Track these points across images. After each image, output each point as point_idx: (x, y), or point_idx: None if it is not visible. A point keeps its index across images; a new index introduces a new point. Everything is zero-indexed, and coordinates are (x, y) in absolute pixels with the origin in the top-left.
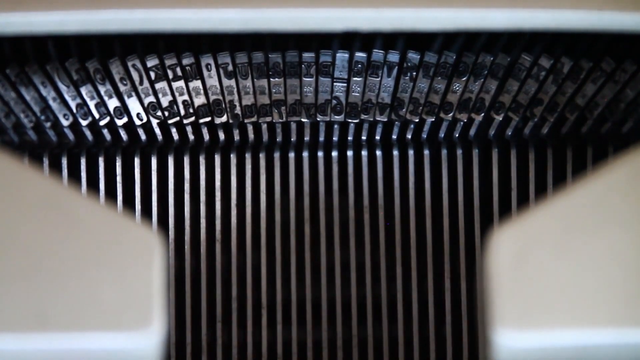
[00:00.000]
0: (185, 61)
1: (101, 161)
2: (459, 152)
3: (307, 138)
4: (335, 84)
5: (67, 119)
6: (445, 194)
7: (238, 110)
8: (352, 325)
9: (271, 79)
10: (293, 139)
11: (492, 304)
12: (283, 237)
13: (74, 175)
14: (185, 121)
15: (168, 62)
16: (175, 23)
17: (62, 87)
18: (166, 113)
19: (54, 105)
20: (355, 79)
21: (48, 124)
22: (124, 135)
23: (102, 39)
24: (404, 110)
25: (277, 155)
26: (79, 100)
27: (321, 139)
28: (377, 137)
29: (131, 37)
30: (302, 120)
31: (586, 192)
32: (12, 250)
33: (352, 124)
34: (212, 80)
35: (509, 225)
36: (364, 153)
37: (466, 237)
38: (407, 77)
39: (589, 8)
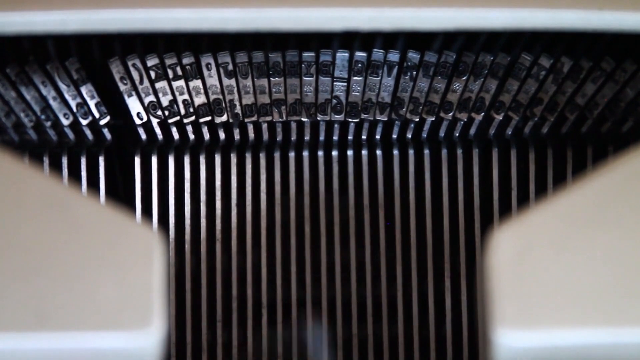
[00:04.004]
0: (185, 60)
1: (101, 161)
2: (459, 151)
3: (307, 137)
4: (335, 83)
5: (67, 118)
6: (446, 193)
7: (238, 109)
8: (352, 325)
9: (271, 79)
10: (293, 138)
11: (492, 304)
12: (283, 236)
13: (74, 175)
14: (185, 120)
15: (168, 62)
16: (175, 23)
17: (62, 87)
18: (166, 112)
19: (54, 104)
20: (355, 78)
21: (48, 123)
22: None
23: (102, 39)
24: (404, 109)
25: (277, 154)
26: (79, 100)
27: (321, 138)
28: (378, 137)
29: (131, 37)
30: (302, 119)
31: (586, 192)
32: (12, 249)
33: (352, 124)
34: (212, 80)
35: (509, 225)
36: (364, 152)
37: (466, 236)
38: (407, 77)
39: (589, 8)
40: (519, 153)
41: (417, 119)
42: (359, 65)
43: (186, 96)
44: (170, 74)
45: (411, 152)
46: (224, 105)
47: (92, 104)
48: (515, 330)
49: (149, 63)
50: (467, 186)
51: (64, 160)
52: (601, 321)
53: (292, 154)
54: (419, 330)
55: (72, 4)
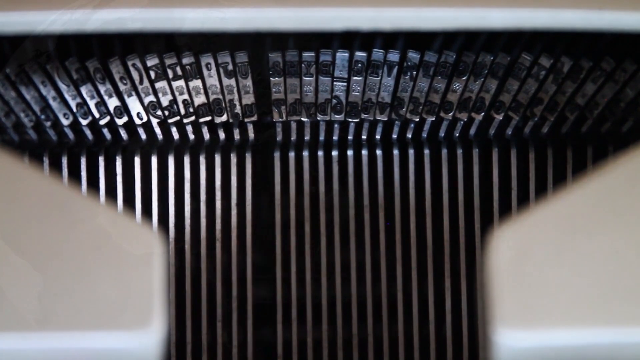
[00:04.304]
0: (185, 60)
1: (101, 160)
2: (459, 151)
3: (307, 137)
4: (335, 83)
5: (67, 118)
6: (446, 193)
7: (238, 109)
8: (352, 325)
9: (271, 78)
10: (293, 138)
11: (492, 304)
12: (283, 236)
13: (74, 175)
14: (185, 120)
15: (168, 62)
16: (175, 23)
17: (62, 87)
18: (166, 112)
19: (54, 104)
20: (355, 78)
21: (48, 123)
22: (124, 134)
23: (102, 39)
24: (404, 109)
25: (277, 154)
26: (79, 100)
27: (321, 138)
28: (378, 137)
29: (131, 37)
30: (302, 119)
31: (586, 192)
32: (12, 249)
33: (352, 124)
34: (212, 80)
35: (509, 225)
36: (364, 152)
37: (466, 236)
38: (407, 77)
39: (589, 8)
40: (519, 153)
41: (417, 119)
42: (359, 65)
43: (186, 96)
44: (170, 74)
45: (411, 152)
46: (223, 105)
47: (91, 104)
48: (515, 330)
49: (149, 63)
50: (467, 186)
51: (64, 160)
52: (601, 321)
53: (292, 154)
54: (419, 330)
55: (72, 4)
